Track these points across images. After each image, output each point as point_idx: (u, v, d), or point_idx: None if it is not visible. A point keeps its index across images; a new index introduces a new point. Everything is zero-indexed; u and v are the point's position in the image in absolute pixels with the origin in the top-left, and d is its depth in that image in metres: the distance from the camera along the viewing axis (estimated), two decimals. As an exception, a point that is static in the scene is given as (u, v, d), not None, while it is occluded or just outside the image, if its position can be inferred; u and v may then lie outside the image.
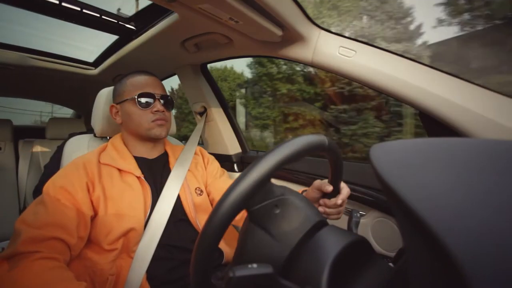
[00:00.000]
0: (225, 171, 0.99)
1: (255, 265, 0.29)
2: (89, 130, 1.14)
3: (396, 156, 0.21)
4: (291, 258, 0.36)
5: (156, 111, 0.78)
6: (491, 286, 0.12)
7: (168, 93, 0.85)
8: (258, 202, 0.38)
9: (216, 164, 0.99)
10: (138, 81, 0.80)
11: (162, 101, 0.80)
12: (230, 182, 0.99)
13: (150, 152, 0.84)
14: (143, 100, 0.77)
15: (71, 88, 1.81)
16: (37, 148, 1.84)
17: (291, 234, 0.38)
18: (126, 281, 0.63)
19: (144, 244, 0.68)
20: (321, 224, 0.40)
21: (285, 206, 0.40)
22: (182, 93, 12.71)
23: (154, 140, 0.82)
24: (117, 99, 0.81)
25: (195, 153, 0.96)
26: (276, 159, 0.35)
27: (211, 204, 0.87)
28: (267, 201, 0.39)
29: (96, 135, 0.94)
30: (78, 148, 0.93)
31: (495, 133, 0.57)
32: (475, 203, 0.15)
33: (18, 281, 0.50)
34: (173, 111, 0.91)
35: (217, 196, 0.88)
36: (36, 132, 2.00)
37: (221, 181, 0.91)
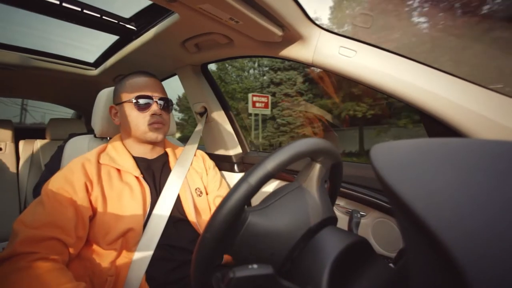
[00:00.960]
0: (226, 183, 0.99)
1: (255, 266, 0.29)
2: (90, 131, 1.14)
3: (396, 157, 0.21)
4: (296, 248, 0.37)
5: (153, 114, 0.78)
6: (491, 287, 0.12)
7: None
8: (325, 164, 0.42)
9: (217, 172, 0.98)
10: (137, 83, 0.80)
11: (160, 103, 0.80)
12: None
13: (150, 153, 0.83)
14: (140, 102, 0.77)
15: (72, 88, 1.81)
16: (38, 149, 1.83)
17: (324, 208, 0.41)
18: (125, 282, 0.63)
19: (143, 245, 0.67)
20: (335, 219, 0.44)
21: (326, 186, 0.44)
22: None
23: (151, 142, 0.82)
24: (117, 100, 0.81)
25: (197, 156, 0.96)
26: (288, 153, 0.36)
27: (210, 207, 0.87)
28: (326, 173, 0.43)
29: (96, 135, 0.94)
30: (78, 148, 0.93)
31: (496, 133, 0.56)
32: (476, 203, 0.15)
33: (17, 283, 0.50)
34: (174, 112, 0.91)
35: (214, 206, 0.87)
36: (36, 133, 2.00)
37: (220, 191, 0.91)
